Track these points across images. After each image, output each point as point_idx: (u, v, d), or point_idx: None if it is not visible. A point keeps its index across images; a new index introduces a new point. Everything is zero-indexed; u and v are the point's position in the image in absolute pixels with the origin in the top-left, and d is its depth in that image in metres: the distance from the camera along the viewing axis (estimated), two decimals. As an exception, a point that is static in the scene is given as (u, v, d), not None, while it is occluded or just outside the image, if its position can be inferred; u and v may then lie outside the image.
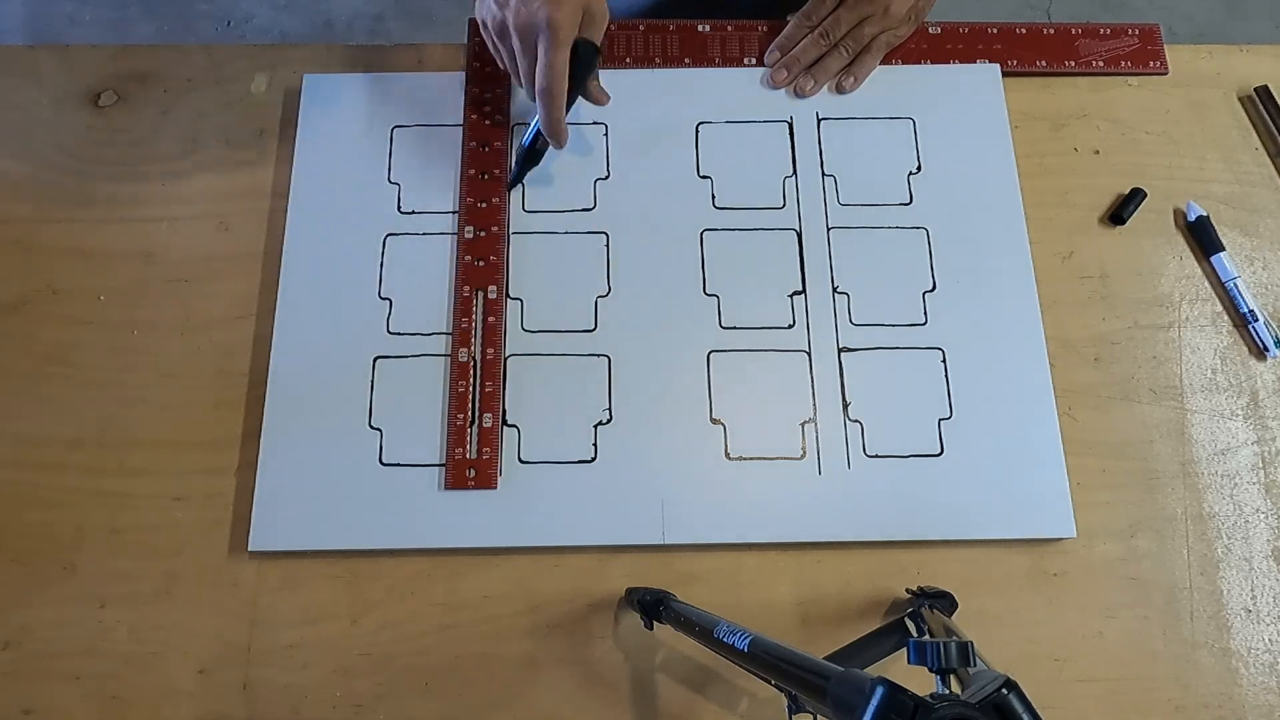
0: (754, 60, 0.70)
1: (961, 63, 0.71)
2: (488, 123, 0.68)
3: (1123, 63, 0.71)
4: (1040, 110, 0.70)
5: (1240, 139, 0.70)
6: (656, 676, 0.56)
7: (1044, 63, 0.71)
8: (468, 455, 0.59)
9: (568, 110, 0.62)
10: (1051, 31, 0.72)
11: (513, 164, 0.66)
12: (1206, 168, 0.69)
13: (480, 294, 0.63)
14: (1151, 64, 0.71)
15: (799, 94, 0.69)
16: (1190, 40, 1.26)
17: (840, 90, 0.69)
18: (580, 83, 0.62)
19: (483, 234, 0.64)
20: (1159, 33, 0.72)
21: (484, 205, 0.65)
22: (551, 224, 0.66)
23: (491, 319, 0.62)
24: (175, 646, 0.56)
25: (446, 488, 0.58)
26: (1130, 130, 0.70)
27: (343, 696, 0.55)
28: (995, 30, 0.72)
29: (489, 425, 0.59)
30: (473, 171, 0.66)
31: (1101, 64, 0.71)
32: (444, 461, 0.59)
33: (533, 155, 0.65)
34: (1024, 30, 0.72)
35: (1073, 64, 0.71)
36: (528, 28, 0.58)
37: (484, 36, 0.64)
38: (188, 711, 0.55)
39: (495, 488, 0.58)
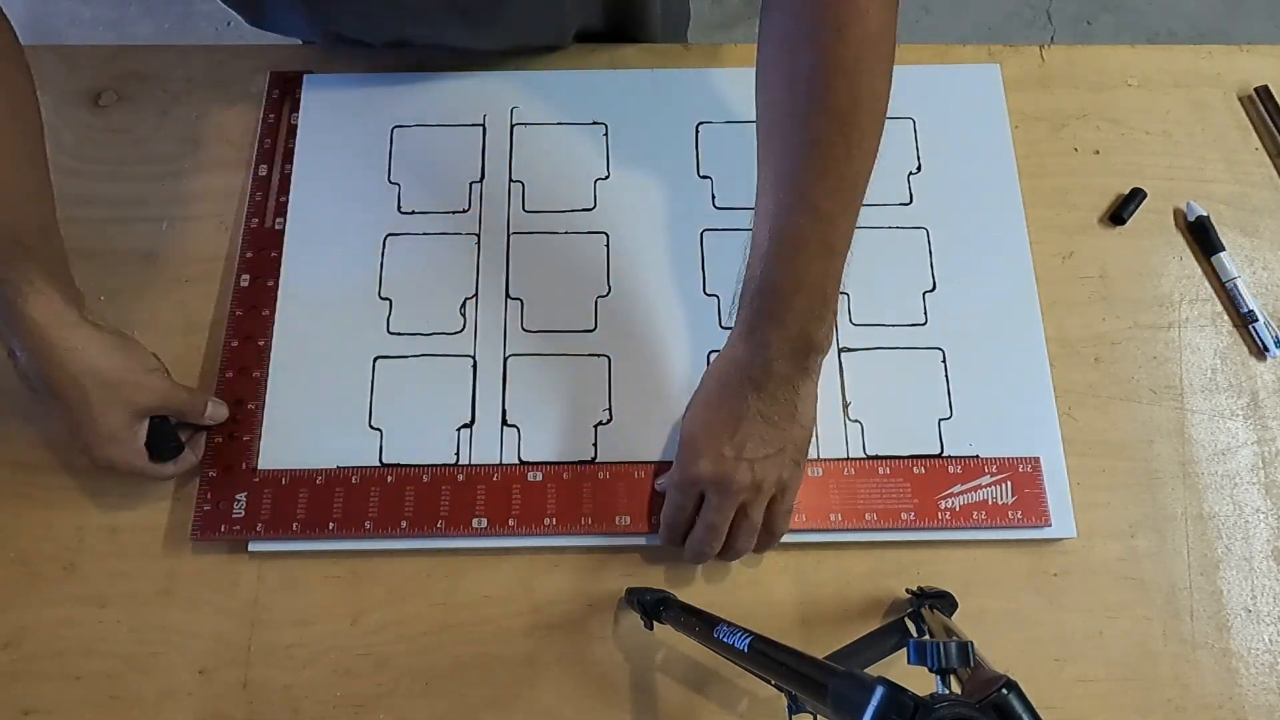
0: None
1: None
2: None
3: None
4: (1040, 110, 0.70)
5: (1240, 139, 0.70)
6: (656, 676, 0.56)
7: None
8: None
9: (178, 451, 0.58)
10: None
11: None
12: (1206, 168, 0.69)
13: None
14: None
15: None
16: (1190, 40, 1.26)
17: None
18: (179, 448, 0.58)
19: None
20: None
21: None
22: (551, 224, 0.66)
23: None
24: (175, 646, 0.56)
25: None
26: (1130, 130, 0.70)
27: (343, 696, 0.55)
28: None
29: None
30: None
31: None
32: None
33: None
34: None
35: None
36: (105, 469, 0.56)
37: None
38: (188, 711, 0.55)
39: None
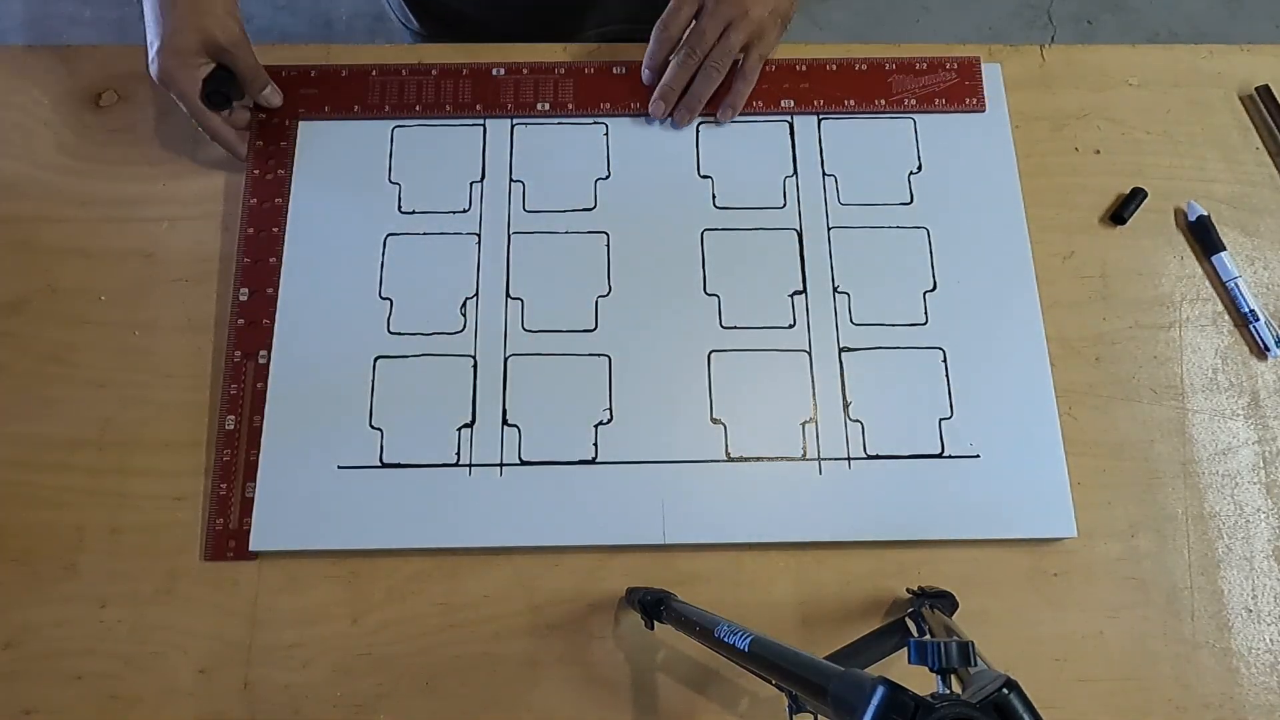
0: (547, 105, 0.68)
1: (766, 106, 0.68)
2: (269, 177, 0.66)
3: (938, 100, 0.68)
4: (1040, 110, 0.70)
5: (1240, 139, 0.70)
6: (656, 676, 0.56)
7: (852, 102, 0.68)
8: (229, 525, 0.58)
9: (244, 121, 0.67)
10: (864, 68, 0.69)
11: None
12: (1207, 168, 0.69)
13: (250, 361, 0.61)
14: (968, 100, 0.68)
15: (676, 126, 0.67)
16: (1190, 40, 1.26)
17: (719, 122, 0.67)
18: (228, 100, 0.64)
19: (256, 294, 0.63)
20: (978, 67, 0.69)
21: (259, 264, 0.64)
22: (551, 224, 0.66)
23: (260, 385, 0.61)
24: (175, 646, 0.56)
25: (206, 559, 0.58)
26: (1130, 130, 0.70)
27: (343, 696, 0.55)
28: (804, 68, 0.69)
29: (250, 495, 0.58)
30: (251, 230, 0.65)
31: (914, 101, 0.68)
32: (207, 530, 0.58)
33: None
34: (834, 67, 0.69)
35: (883, 103, 0.68)
36: (161, 86, 0.62)
37: None
38: (188, 711, 0.55)
39: (254, 559, 0.58)
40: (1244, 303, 0.64)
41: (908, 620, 0.53)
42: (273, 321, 0.62)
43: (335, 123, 0.68)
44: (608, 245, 0.65)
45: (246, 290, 0.63)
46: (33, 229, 0.66)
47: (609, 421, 0.60)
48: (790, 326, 0.63)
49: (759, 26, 0.65)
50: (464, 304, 0.63)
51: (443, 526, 0.58)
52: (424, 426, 0.60)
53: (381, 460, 0.59)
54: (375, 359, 0.62)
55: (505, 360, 0.62)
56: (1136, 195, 0.67)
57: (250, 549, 0.57)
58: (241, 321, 0.62)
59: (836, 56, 0.70)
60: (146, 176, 0.67)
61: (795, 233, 0.65)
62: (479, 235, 0.65)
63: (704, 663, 0.56)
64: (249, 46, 0.64)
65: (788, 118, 0.69)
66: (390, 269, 0.64)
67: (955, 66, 0.69)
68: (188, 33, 0.61)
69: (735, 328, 0.63)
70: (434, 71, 0.69)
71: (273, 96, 0.66)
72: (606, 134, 0.68)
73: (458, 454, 0.59)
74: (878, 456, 0.60)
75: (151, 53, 0.61)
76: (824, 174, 0.67)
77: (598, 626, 0.57)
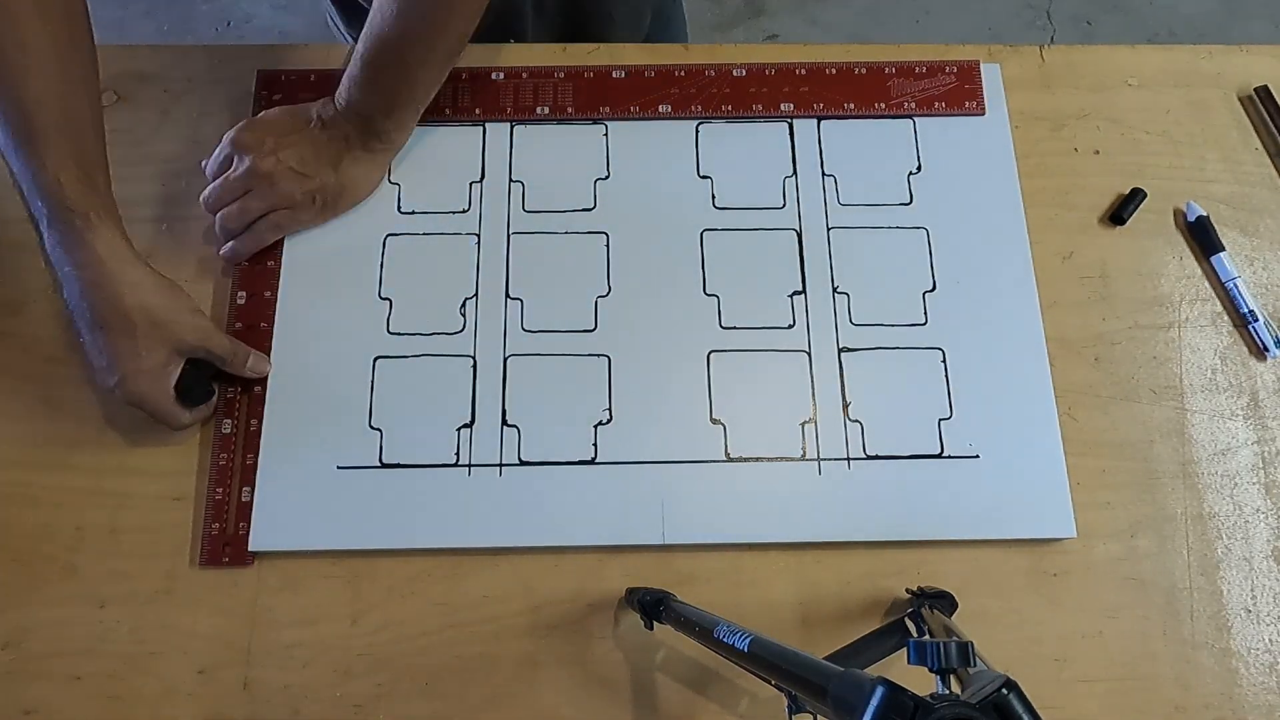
0: (546, 109, 0.68)
1: (765, 109, 0.68)
2: None
3: (937, 104, 0.68)
4: (1040, 110, 0.70)
5: (1240, 139, 0.70)
6: (656, 676, 0.56)
7: (852, 105, 0.68)
8: (225, 530, 0.58)
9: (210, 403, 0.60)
10: (864, 71, 0.69)
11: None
12: (1206, 168, 0.69)
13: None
14: (967, 104, 0.68)
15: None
16: (1190, 40, 1.26)
17: (225, 257, 0.64)
18: (211, 393, 0.60)
19: (254, 297, 0.63)
20: (978, 71, 0.69)
21: (256, 266, 0.63)
22: (551, 224, 0.66)
23: (258, 388, 0.60)
24: (175, 646, 0.56)
25: (201, 565, 0.57)
26: (1130, 130, 0.70)
27: (343, 696, 0.55)
28: (803, 72, 0.69)
29: (247, 499, 0.58)
30: (246, 262, 0.64)
31: (914, 105, 0.68)
32: (202, 535, 0.58)
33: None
34: (834, 71, 0.69)
35: (882, 106, 0.68)
36: (132, 406, 0.57)
37: None
38: (188, 711, 0.55)
39: (250, 565, 0.57)
40: (1243, 303, 0.64)
41: (907, 620, 0.53)
42: (270, 324, 0.62)
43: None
44: (607, 245, 0.65)
45: (244, 294, 0.63)
46: (33, 229, 0.66)
47: (608, 421, 0.60)
48: (790, 327, 0.63)
49: (288, 200, 0.62)
50: (463, 304, 0.63)
51: (442, 526, 0.58)
52: (423, 427, 0.60)
53: (381, 460, 0.59)
54: (375, 359, 0.62)
55: (505, 360, 0.62)
56: (1136, 195, 0.67)
57: (250, 549, 0.57)
58: (239, 325, 0.62)
59: (836, 60, 0.70)
60: (145, 177, 0.67)
61: (795, 233, 0.65)
62: (478, 235, 0.65)
63: (704, 663, 0.56)
64: (218, 330, 0.59)
65: (787, 120, 0.69)
66: (390, 269, 0.64)
67: (955, 71, 0.69)
68: (156, 350, 0.56)
69: (735, 328, 0.63)
70: (434, 72, 0.69)
71: (259, 365, 0.60)
72: (606, 134, 0.68)
73: (457, 454, 0.59)
74: (877, 457, 0.60)
75: (113, 379, 0.56)
76: (823, 174, 0.67)
77: (597, 626, 0.57)
